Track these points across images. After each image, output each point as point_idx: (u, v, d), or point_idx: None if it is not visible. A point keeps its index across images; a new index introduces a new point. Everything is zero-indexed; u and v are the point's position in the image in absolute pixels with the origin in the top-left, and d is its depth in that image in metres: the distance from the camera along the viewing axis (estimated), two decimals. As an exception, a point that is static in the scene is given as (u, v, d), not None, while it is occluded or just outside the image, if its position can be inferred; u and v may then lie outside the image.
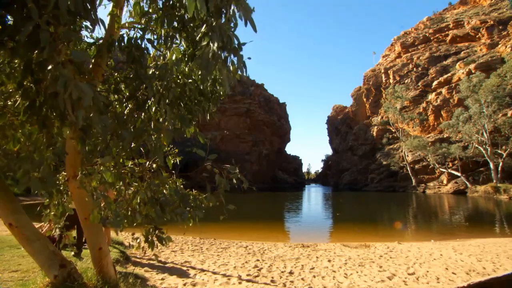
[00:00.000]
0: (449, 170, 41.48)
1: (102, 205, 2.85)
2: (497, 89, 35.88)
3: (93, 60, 2.80)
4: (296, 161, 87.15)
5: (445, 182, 42.38)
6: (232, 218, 8.22)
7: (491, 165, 35.67)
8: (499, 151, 35.87)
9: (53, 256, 2.87)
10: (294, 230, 13.86)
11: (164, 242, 2.89)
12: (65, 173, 3.09)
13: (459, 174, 39.78)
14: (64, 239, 4.90)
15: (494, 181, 34.89)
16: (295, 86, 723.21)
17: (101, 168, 2.70)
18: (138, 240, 3.05)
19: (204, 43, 1.96)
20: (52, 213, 3.44)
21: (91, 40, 2.96)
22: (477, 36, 53.03)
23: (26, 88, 1.89)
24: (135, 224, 2.65)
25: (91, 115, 1.79)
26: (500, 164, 35.24)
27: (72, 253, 5.29)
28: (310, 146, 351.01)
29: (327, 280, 5.34)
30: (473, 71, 43.92)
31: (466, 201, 29.08)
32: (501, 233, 12.65)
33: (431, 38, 62.84)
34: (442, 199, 31.74)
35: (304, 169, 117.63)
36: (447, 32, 59.89)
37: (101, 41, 2.76)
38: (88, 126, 1.86)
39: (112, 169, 2.70)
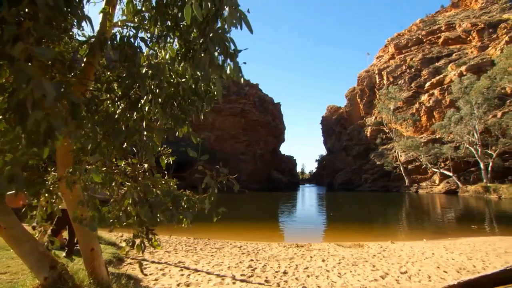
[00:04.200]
0: (441, 170, 42.11)
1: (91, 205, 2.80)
2: (487, 91, 36.60)
3: (85, 59, 2.76)
4: (290, 161, 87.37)
5: (437, 182, 43.01)
6: (226, 218, 8.18)
7: (482, 165, 36.34)
8: (489, 152, 36.57)
9: (43, 257, 2.81)
10: (288, 230, 13.89)
11: (154, 246, 2.86)
12: (55, 173, 3.04)
13: (450, 174, 40.42)
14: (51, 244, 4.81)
15: (484, 181, 35.55)
16: (292, 86, 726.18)
17: (90, 167, 2.64)
18: (126, 243, 3.01)
19: (201, 49, 1.93)
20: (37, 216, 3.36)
21: (83, 38, 2.91)
22: (468, 39, 53.96)
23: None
24: (124, 224, 2.61)
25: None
26: (490, 164, 35.90)
27: (64, 254, 5.21)
28: (304, 146, 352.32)
29: (321, 279, 5.37)
30: (464, 73, 44.65)
31: (458, 200, 29.56)
32: (491, 232, 12.90)
33: (424, 40, 63.71)
34: (434, 199, 32.21)
35: (298, 169, 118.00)
36: (439, 34, 60.80)
37: (93, 40, 2.72)
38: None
39: (103, 168, 2.66)
